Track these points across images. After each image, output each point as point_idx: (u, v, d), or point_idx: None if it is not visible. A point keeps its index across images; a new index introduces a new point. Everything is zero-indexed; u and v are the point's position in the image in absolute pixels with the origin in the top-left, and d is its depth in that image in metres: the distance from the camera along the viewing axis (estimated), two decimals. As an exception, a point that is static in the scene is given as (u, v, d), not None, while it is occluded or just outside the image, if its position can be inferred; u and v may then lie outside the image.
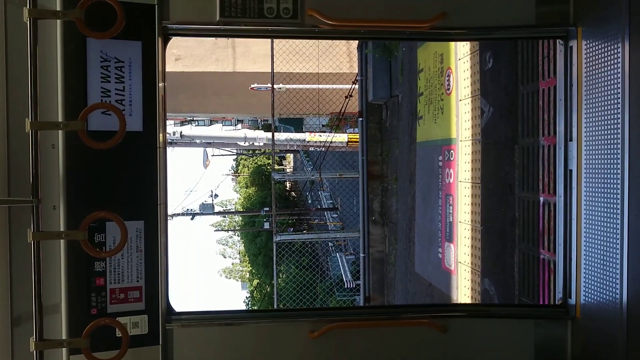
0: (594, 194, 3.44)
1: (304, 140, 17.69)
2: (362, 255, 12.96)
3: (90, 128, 3.03)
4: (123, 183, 3.29)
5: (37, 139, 2.92)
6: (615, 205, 3.22)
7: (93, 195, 3.23)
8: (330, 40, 13.73)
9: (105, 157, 3.17)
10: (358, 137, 13.83)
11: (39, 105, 2.93)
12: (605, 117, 3.31)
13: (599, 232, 3.39)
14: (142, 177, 3.32)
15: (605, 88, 3.31)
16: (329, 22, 3.45)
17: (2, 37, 3.06)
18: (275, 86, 14.13)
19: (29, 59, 2.89)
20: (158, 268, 3.36)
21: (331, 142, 16.30)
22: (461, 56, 8.21)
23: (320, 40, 13.48)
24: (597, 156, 3.40)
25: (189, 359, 3.49)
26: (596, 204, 3.42)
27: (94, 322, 3.01)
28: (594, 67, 3.45)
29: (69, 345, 3.03)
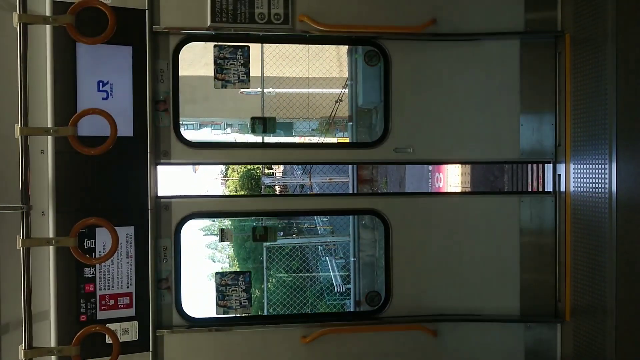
0: (582, 198, 3.47)
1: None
2: (352, 259, 12.93)
3: (79, 133, 3.02)
4: (113, 188, 3.27)
5: (26, 145, 2.90)
6: (604, 211, 3.25)
7: (83, 201, 3.21)
8: (320, 45, 13.70)
9: (95, 162, 3.15)
10: (348, 141, 13.82)
11: (28, 111, 2.91)
12: (593, 123, 3.34)
13: (588, 237, 3.42)
14: (132, 183, 3.31)
15: (593, 92, 3.34)
16: (320, 28, 3.46)
17: None
18: (264, 90, 14.10)
19: (19, 65, 2.86)
20: (148, 274, 3.34)
21: (321, 146, 16.28)
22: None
23: (310, 45, 13.46)
24: (585, 161, 3.44)
25: None
26: (584, 208, 3.45)
27: (84, 329, 2.98)
28: (581, 71, 3.49)
29: (59, 353, 3.00)
